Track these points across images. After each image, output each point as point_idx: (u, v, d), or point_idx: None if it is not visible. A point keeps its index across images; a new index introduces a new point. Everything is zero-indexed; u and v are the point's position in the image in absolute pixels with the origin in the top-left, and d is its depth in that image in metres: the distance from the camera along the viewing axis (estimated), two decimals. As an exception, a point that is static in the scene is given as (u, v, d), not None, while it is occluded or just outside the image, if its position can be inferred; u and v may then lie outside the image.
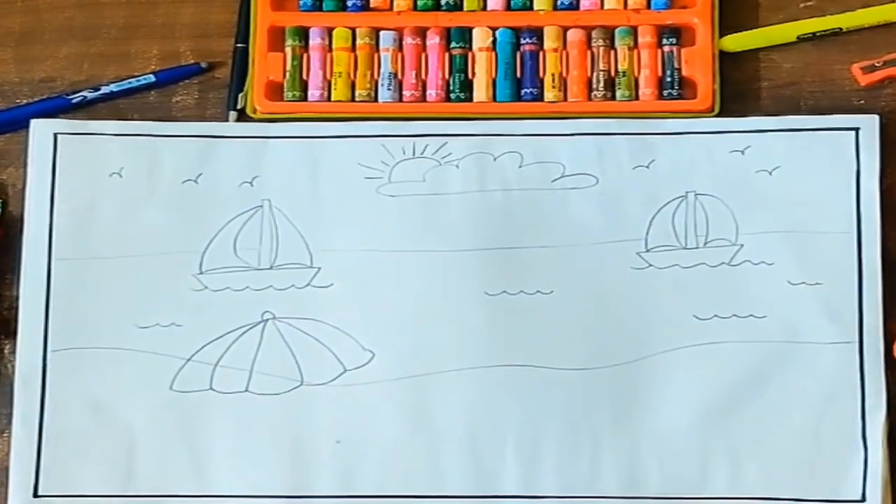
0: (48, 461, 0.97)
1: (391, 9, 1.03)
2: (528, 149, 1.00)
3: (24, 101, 1.03)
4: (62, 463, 0.97)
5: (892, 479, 0.94)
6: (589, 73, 1.02)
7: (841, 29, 1.01)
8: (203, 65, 1.03)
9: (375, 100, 1.02)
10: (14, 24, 1.05)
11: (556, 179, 1.00)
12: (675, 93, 1.01)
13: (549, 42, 1.02)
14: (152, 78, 1.03)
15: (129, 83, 1.02)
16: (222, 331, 0.98)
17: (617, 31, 1.02)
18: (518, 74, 1.02)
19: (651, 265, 0.98)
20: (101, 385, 0.98)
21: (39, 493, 0.97)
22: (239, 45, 1.03)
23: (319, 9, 1.03)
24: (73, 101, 1.02)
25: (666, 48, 1.01)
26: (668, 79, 1.01)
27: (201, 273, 0.99)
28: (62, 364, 0.98)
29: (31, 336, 0.98)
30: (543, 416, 0.96)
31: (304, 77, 1.02)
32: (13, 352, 0.98)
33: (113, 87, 1.02)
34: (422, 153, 1.00)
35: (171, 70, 1.03)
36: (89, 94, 1.02)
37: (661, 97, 1.01)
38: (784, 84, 1.02)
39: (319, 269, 0.99)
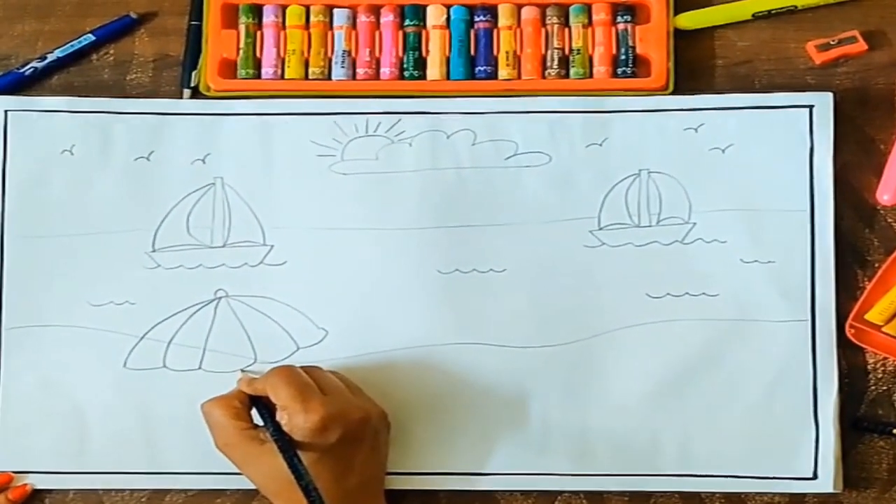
0: (4, 438, 0.94)
1: (345, -14, 0.99)
2: (482, 127, 0.95)
3: (-21, 80, 0.99)
4: (18, 440, 0.94)
5: (843, 458, 0.91)
6: (543, 51, 0.97)
7: (796, 7, 0.97)
8: (133, 15, 0.99)
9: (329, 77, 0.97)
10: (-32, 3, 1.01)
11: (509, 157, 0.95)
12: (629, 71, 0.96)
13: (504, 19, 0.97)
14: (91, 37, 0.98)
15: (72, 45, 0.98)
16: (175, 309, 0.94)
17: (571, 8, 0.97)
18: (472, 52, 0.97)
19: (604, 243, 0.94)
20: (55, 363, 0.94)
21: (-5, 469, 0.94)
22: (193, 22, 0.98)
23: (273, -14, 0.98)
24: (26, 73, 0.97)
25: (620, 26, 0.96)
26: (623, 56, 0.96)
27: (154, 251, 0.95)
28: (17, 342, 0.94)
29: (-15, 314, 0.95)
30: (496, 393, 0.92)
31: (258, 55, 0.97)
32: (-32, 330, 0.95)
33: (58, 53, 0.98)
34: (375, 131, 0.95)
35: (107, 26, 0.99)
36: (38, 64, 0.97)
37: (615, 75, 0.96)
38: (738, 62, 0.97)
39: (272, 246, 0.95)
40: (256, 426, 0.86)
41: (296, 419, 0.83)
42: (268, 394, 0.85)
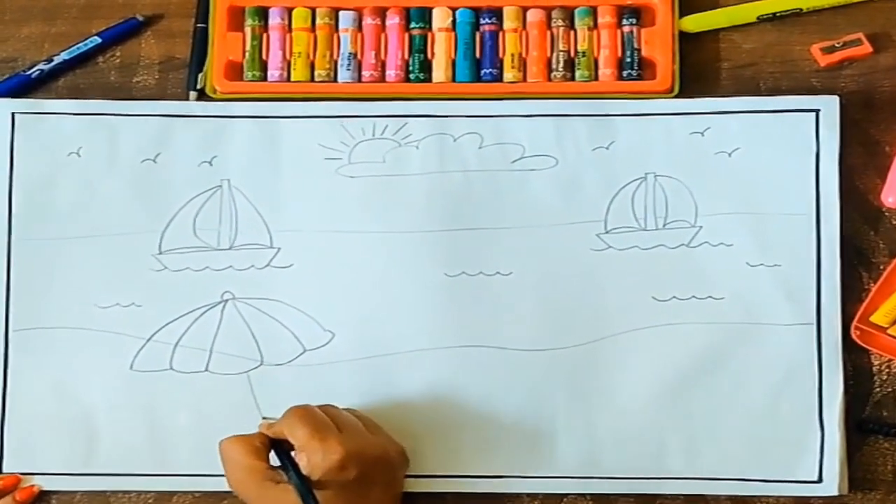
0: (11, 440, 0.92)
1: (351, -11, 0.97)
2: (488, 130, 0.94)
3: (-15, 82, 0.98)
4: (25, 441, 0.92)
5: (848, 461, 0.90)
6: (548, 54, 0.95)
7: (801, 9, 0.95)
8: (139, 18, 0.98)
9: (335, 80, 0.96)
10: (-26, 5, 0.99)
11: (515, 160, 0.94)
12: (634, 73, 0.94)
13: (509, 22, 0.95)
14: (98, 39, 0.97)
15: (78, 48, 0.97)
16: (182, 311, 0.93)
17: (577, 11, 0.96)
18: (477, 55, 0.96)
19: (610, 246, 0.92)
20: (62, 365, 0.93)
21: (3, 471, 0.92)
22: (199, 25, 0.97)
23: (279, -11, 0.97)
24: (32, 75, 0.96)
25: (626, 28, 0.95)
26: (628, 59, 0.95)
27: (161, 253, 0.93)
28: (24, 344, 0.93)
29: (-8, 316, 0.94)
30: (502, 396, 0.91)
31: (264, 57, 0.96)
32: (-25, 333, 0.94)
33: (64, 55, 0.96)
34: (381, 134, 0.94)
35: (112, 28, 0.97)
36: (45, 67, 0.96)
37: (620, 78, 0.95)
38: (744, 65, 0.95)
39: (279, 249, 0.93)
40: (273, 467, 0.84)
41: (314, 458, 0.81)
42: (285, 434, 0.83)
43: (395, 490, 0.87)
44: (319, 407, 0.85)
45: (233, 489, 0.85)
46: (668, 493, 0.90)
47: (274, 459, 0.84)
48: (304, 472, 0.81)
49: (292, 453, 0.82)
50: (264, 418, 0.87)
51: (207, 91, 0.95)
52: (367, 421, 0.87)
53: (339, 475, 0.81)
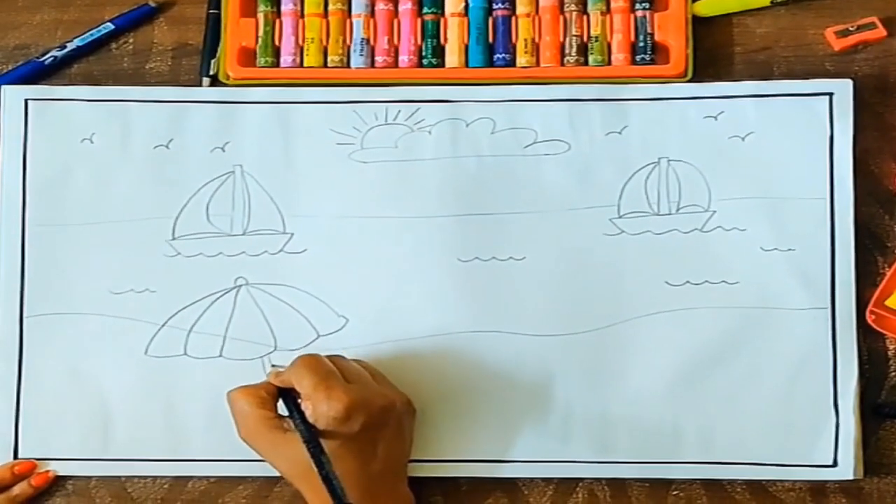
0: (27, 425, 0.91)
1: (363, -26, 0.96)
2: (501, 115, 0.92)
3: (-2, 69, 0.97)
4: (40, 427, 0.91)
5: (863, 445, 0.88)
6: (561, 39, 0.94)
7: (814, -7, 0.94)
8: (152, 4, 0.96)
9: (348, 65, 0.94)
10: (-13, -9, 0.98)
11: (528, 145, 0.92)
12: (647, 58, 0.93)
13: (522, 7, 0.94)
14: (111, 26, 0.96)
15: (91, 34, 0.95)
16: (196, 296, 0.92)
17: (590, -5, 0.94)
18: (490, 40, 0.94)
19: (623, 231, 0.91)
20: (76, 350, 0.92)
21: (19, 456, 0.91)
22: (212, 11, 0.95)
23: (292, -26, 0.95)
24: (45, 62, 0.94)
25: (639, 13, 0.93)
26: (641, 44, 0.93)
27: (174, 239, 0.92)
28: (38, 330, 0.92)
29: (7, 302, 0.92)
30: (516, 381, 0.90)
31: (277, 43, 0.94)
32: (-10, 318, 0.93)
33: (77, 42, 0.95)
34: (394, 119, 0.92)
35: (126, 14, 0.96)
36: (58, 53, 0.95)
37: (633, 62, 0.93)
38: (757, 49, 0.94)
39: (292, 234, 0.92)
40: (281, 416, 0.83)
41: (320, 407, 0.80)
42: (292, 383, 0.82)
43: (404, 441, 0.86)
44: (327, 357, 0.84)
45: (243, 439, 0.84)
46: (683, 477, 0.89)
47: (282, 408, 0.83)
48: (310, 420, 0.80)
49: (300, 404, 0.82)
50: (273, 366, 0.86)
51: (220, 77, 0.94)
52: (374, 371, 0.86)
53: (344, 425, 0.80)
